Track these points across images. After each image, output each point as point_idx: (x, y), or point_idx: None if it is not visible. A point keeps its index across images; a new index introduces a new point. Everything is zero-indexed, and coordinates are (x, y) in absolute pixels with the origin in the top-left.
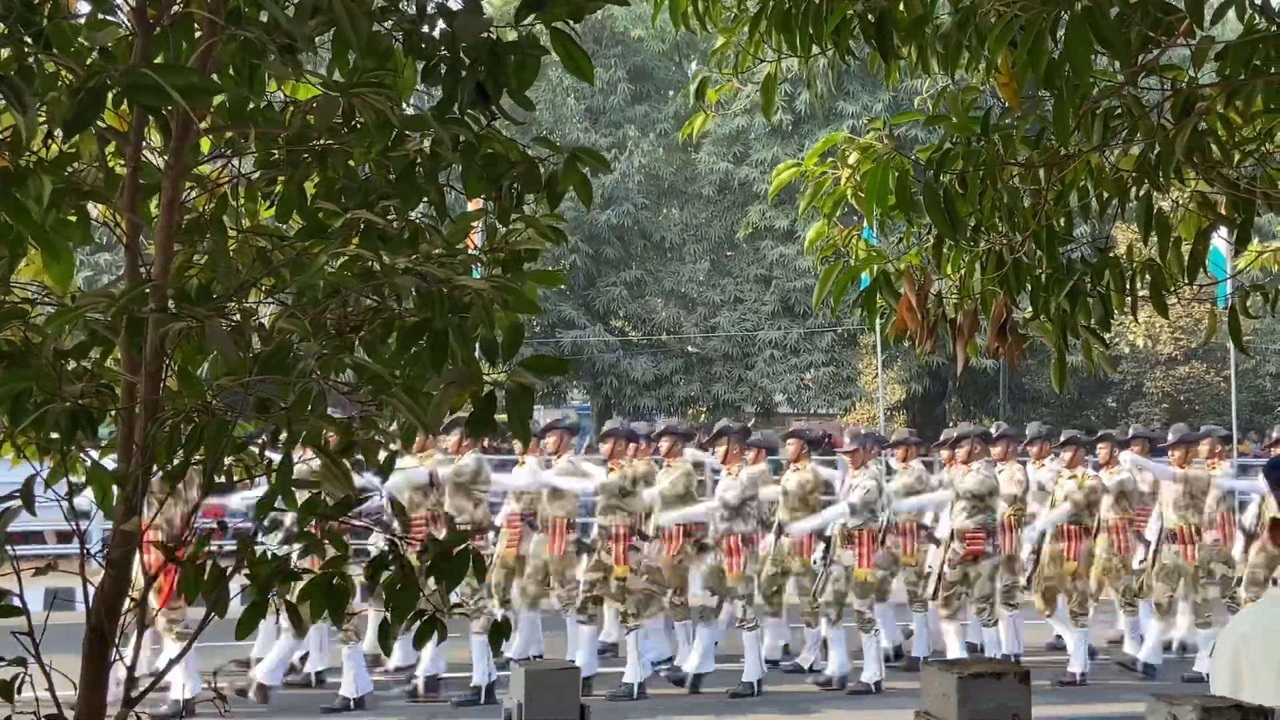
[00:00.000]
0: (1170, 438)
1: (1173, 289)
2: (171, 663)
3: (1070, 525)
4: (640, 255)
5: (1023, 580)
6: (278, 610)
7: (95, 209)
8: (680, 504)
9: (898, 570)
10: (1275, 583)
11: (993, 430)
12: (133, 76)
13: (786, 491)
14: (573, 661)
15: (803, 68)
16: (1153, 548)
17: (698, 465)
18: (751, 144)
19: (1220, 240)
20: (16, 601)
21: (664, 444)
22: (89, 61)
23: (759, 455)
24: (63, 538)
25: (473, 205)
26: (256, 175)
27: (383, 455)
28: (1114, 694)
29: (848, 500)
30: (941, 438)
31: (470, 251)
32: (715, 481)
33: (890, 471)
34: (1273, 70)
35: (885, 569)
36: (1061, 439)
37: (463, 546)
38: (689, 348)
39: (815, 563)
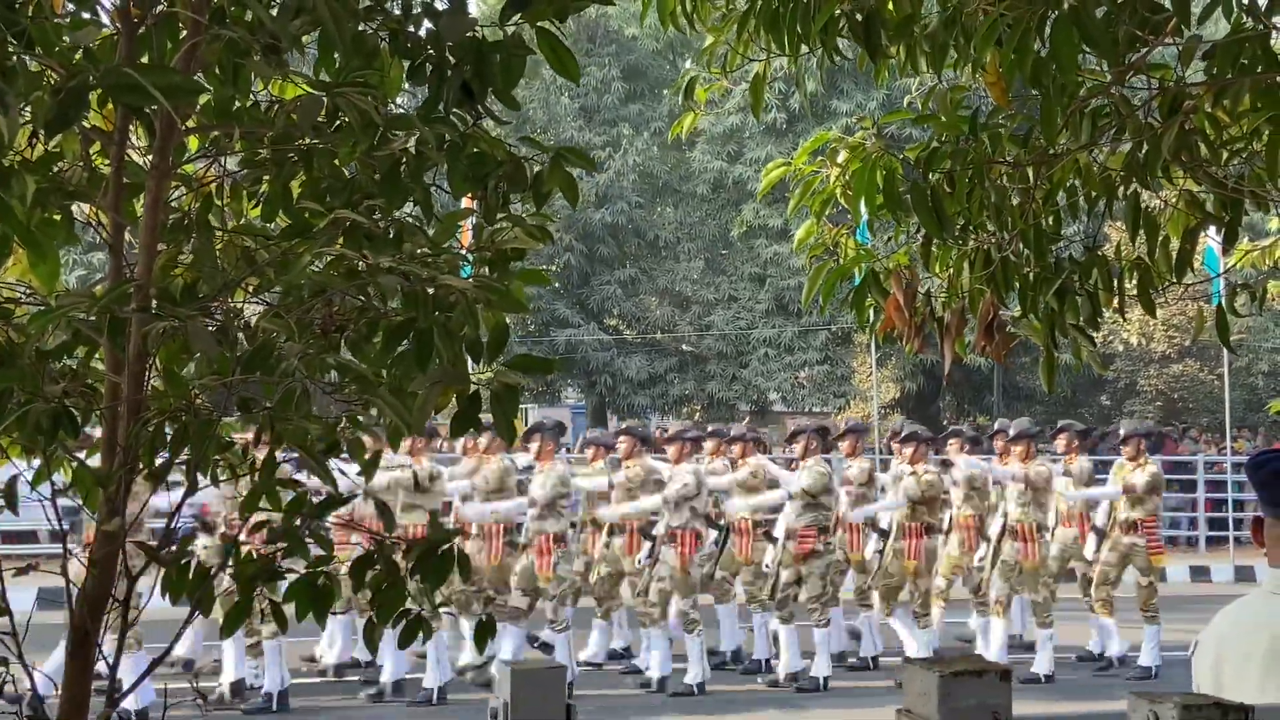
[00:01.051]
0: (1011, 431)
1: (1161, 288)
2: (155, 663)
3: (911, 523)
4: (634, 254)
5: (870, 580)
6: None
7: (83, 210)
8: (496, 498)
9: (738, 570)
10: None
11: (841, 425)
12: (115, 76)
13: (614, 485)
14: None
15: (792, 67)
16: (993, 545)
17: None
18: (746, 143)
19: (1213, 240)
20: None
21: (533, 444)
22: (74, 61)
23: (598, 453)
24: (56, 537)
25: (467, 204)
26: (242, 175)
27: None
28: (1094, 692)
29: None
30: (790, 431)
31: (462, 251)
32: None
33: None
34: (1260, 69)
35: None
36: (904, 434)
37: (446, 545)
38: (683, 346)
39: (639, 562)
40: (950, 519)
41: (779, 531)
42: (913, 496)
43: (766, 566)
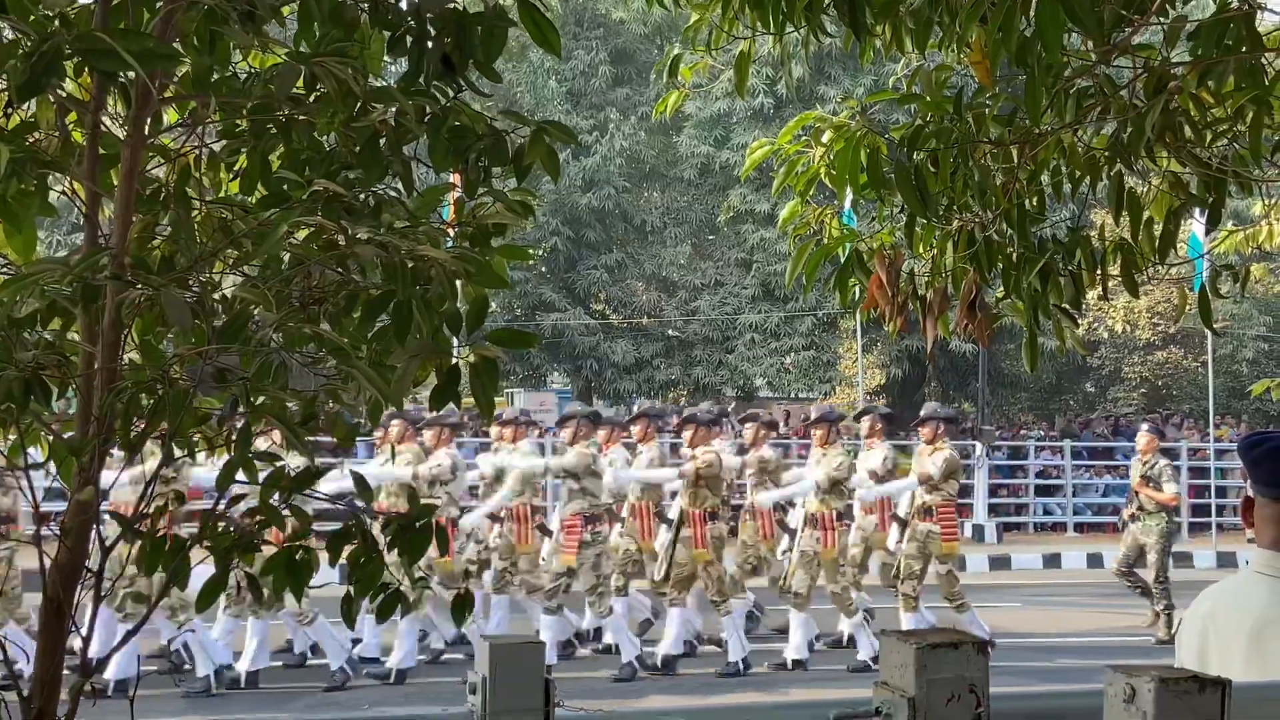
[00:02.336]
0: (812, 414)
1: (1144, 269)
2: (129, 634)
3: (695, 510)
4: (621, 239)
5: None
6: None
7: (64, 182)
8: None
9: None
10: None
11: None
12: (88, 41)
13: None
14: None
15: (776, 47)
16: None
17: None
18: (733, 127)
19: (1197, 224)
20: None
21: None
22: (50, 30)
23: (518, 433)
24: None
25: (455, 179)
26: (220, 146)
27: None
28: (1077, 671)
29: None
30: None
31: (443, 226)
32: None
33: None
34: (1244, 49)
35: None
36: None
37: (425, 520)
38: (669, 331)
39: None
40: (746, 507)
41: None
42: (687, 477)
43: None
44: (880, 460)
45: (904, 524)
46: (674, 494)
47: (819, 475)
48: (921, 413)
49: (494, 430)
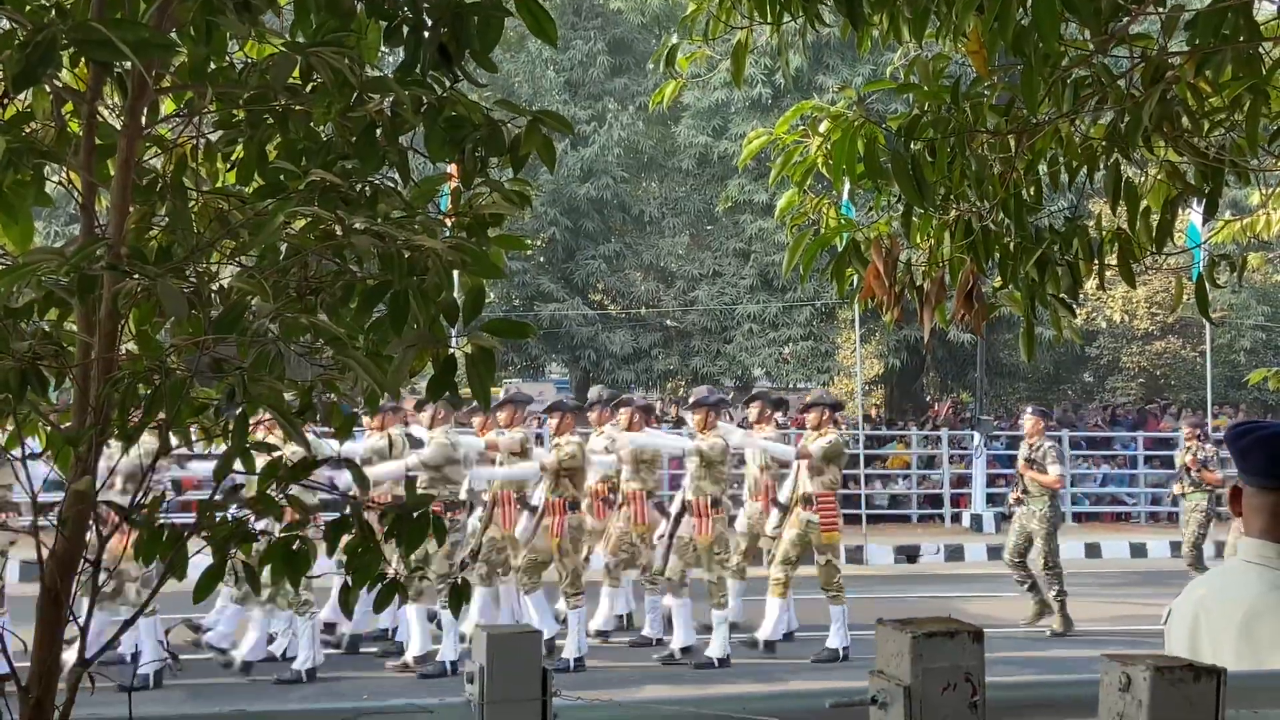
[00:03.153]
0: (691, 399)
1: (1141, 259)
2: (125, 624)
3: (553, 499)
4: (619, 229)
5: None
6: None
7: (60, 173)
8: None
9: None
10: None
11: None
12: (84, 31)
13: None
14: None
15: (774, 36)
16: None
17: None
18: (731, 118)
19: (1195, 214)
20: None
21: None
22: (46, 20)
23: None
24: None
25: (453, 169)
26: (217, 136)
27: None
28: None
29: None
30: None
31: (439, 216)
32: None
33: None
34: (1242, 39)
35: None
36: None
37: (423, 510)
38: (668, 321)
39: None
40: (621, 494)
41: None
42: (549, 468)
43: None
44: (767, 436)
45: (784, 509)
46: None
47: (695, 459)
48: (808, 399)
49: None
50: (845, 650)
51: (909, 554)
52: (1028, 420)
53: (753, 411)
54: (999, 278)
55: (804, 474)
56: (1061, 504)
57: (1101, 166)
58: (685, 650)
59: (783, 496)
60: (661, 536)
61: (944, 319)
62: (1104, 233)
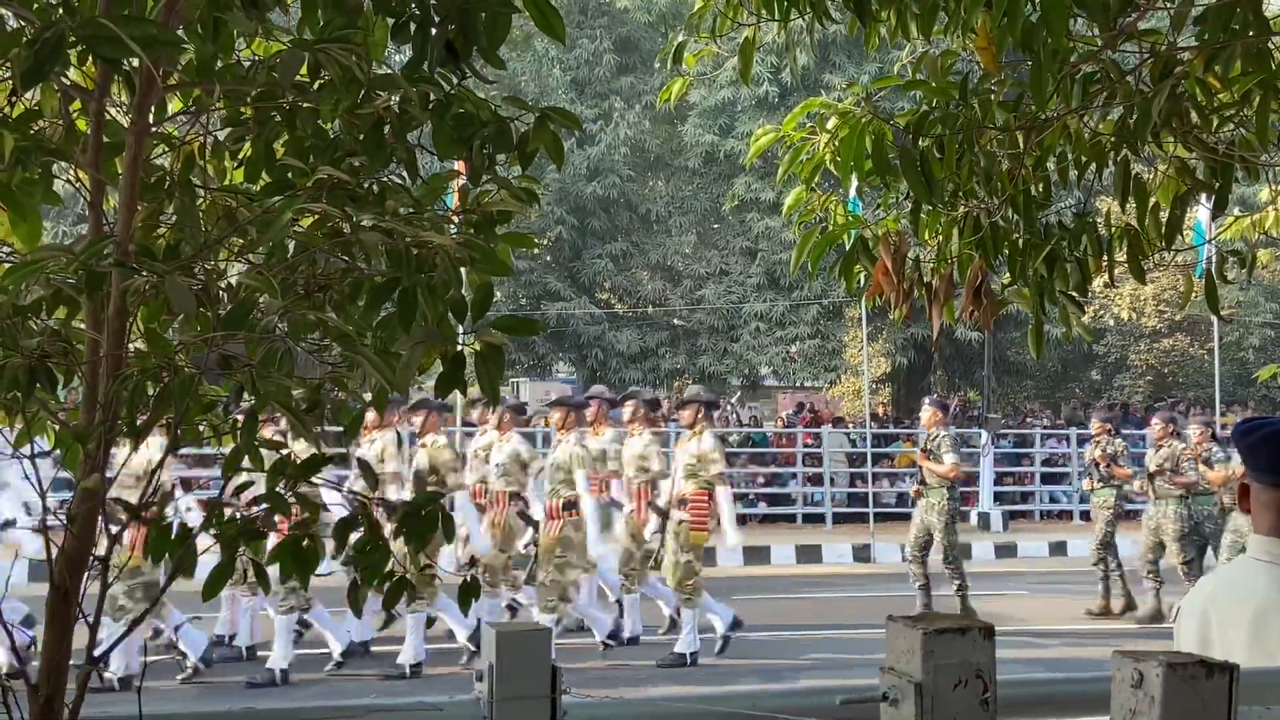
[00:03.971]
0: (552, 396)
1: (1150, 255)
2: (134, 623)
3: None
4: (626, 228)
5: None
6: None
7: (69, 170)
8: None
9: None
10: (1244, 548)
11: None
12: (91, 27)
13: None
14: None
15: (781, 34)
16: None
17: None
18: (738, 115)
19: (1203, 211)
20: None
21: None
22: (54, 17)
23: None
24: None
25: (461, 166)
26: (224, 134)
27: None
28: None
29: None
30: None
31: (447, 213)
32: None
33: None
34: (1251, 34)
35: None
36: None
37: (430, 508)
38: (674, 320)
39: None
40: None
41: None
42: (421, 468)
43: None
44: (643, 447)
45: (663, 514)
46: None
47: (548, 463)
48: (684, 395)
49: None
50: (694, 655)
51: None
52: (925, 411)
53: (626, 411)
54: (1008, 274)
55: (680, 476)
56: (960, 497)
57: (1110, 163)
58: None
59: (661, 501)
60: (528, 545)
61: (953, 316)
62: (1113, 229)
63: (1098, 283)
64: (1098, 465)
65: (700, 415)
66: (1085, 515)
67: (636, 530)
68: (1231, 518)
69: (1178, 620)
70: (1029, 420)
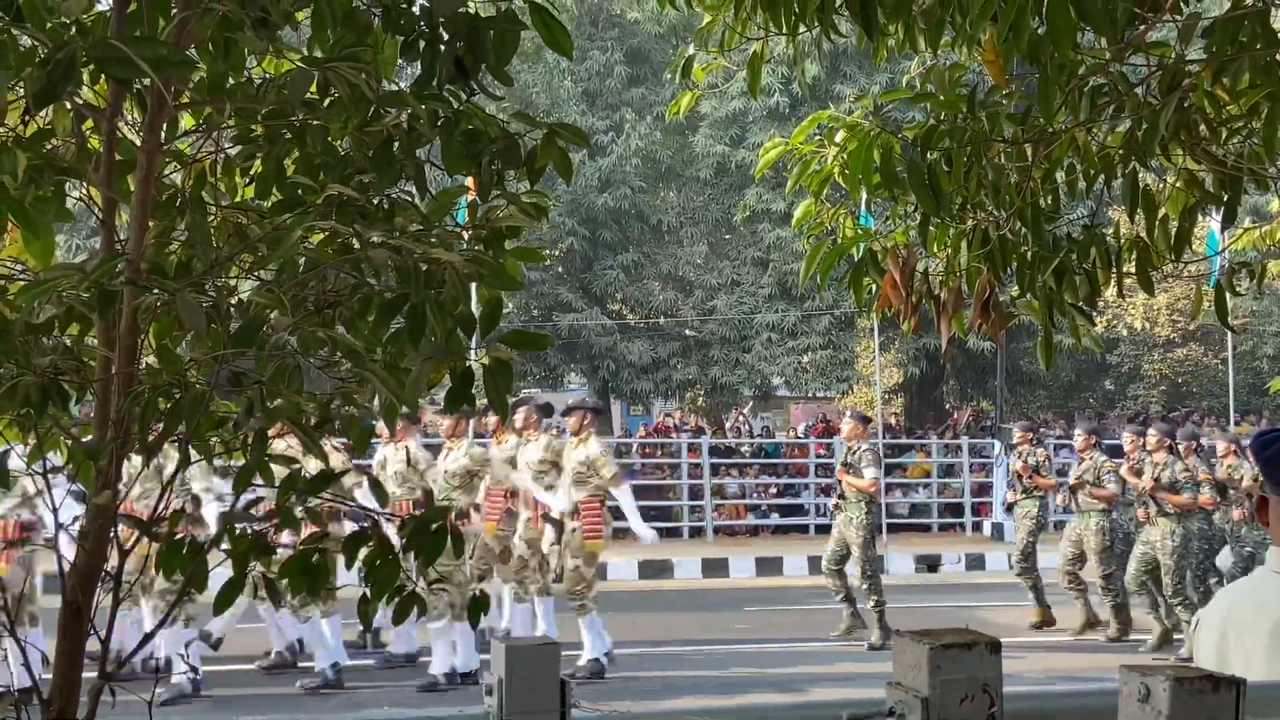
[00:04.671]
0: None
1: (1160, 267)
2: (147, 636)
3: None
4: (637, 238)
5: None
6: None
7: (81, 188)
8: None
9: None
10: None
11: None
12: (103, 48)
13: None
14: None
15: (790, 47)
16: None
17: None
18: (749, 127)
19: (1214, 222)
20: None
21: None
22: (66, 38)
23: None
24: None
25: (470, 182)
26: (235, 151)
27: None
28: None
29: None
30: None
31: (456, 229)
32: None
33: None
34: (1259, 46)
35: None
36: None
37: (441, 522)
38: (686, 331)
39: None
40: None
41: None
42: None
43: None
44: (540, 452)
45: (558, 525)
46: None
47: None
48: (569, 402)
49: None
50: (608, 656)
51: (930, 563)
52: (846, 424)
53: (519, 417)
54: (1016, 287)
55: (569, 484)
56: (879, 510)
57: (1119, 175)
58: (450, 675)
59: (554, 512)
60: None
61: (962, 328)
62: (1122, 241)
63: (1109, 293)
64: (1020, 476)
65: (586, 421)
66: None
67: (533, 538)
68: (1244, 529)
69: (1196, 633)
70: (1042, 430)
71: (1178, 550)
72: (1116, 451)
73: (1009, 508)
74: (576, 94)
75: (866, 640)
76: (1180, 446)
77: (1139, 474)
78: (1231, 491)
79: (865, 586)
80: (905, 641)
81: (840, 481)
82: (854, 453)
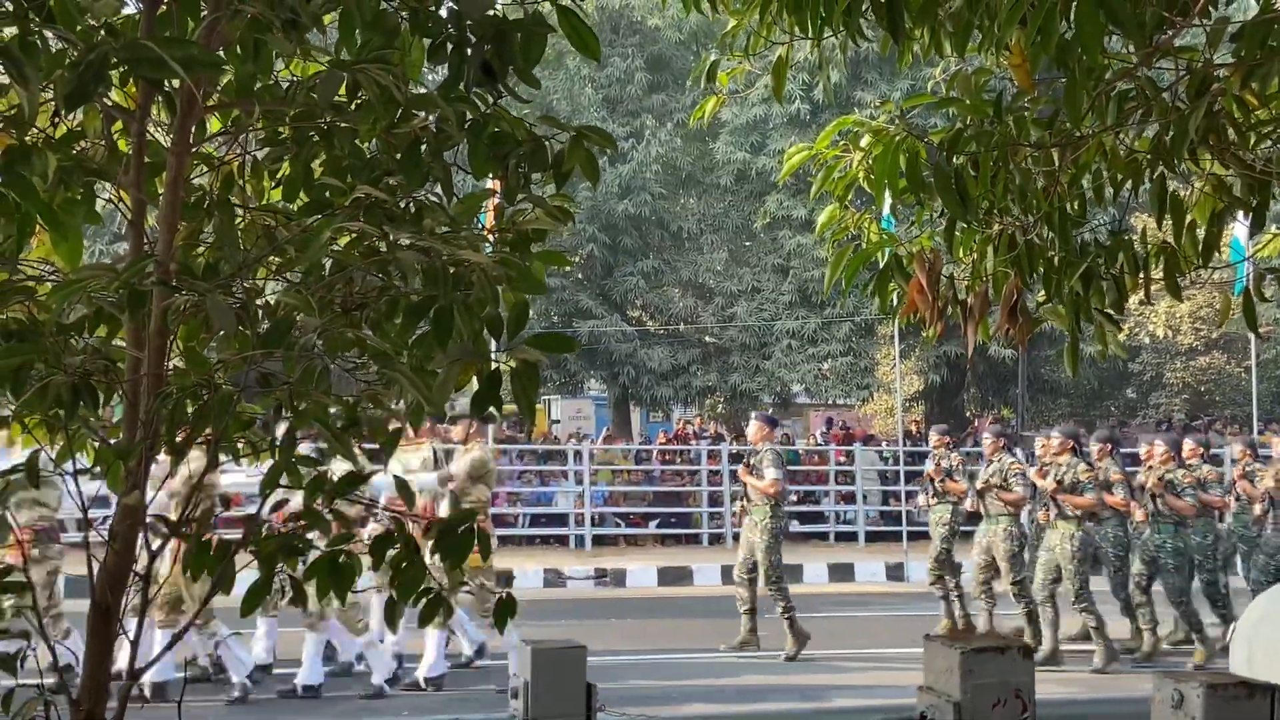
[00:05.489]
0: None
1: (1187, 273)
2: (174, 638)
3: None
4: (657, 245)
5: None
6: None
7: (109, 190)
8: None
9: None
10: None
11: None
12: (134, 49)
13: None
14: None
15: (814, 51)
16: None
17: None
18: (769, 133)
19: (1241, 227)
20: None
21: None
22: (97, 40)
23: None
24: (81, 525)
25: (496, 185)
26: (263, 154)
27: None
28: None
29: None
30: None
31: (483, 231)
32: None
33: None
34: None
35: None
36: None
37: (466, 525)
38: (706, 338)
39: None
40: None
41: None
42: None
43: None
44: (421, 460)
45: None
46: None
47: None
48: (455, 409)
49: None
50: (479, 649)
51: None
52: (751, 426)
53: (459, 430)
54: (1043, 292)
55: (451, 496)
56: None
57: (1146, 180)
58: (309, 687)
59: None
60: None
61: (987, 334)
62: (1149, 246)
63: (1133, 300)
64: (932, 480)
65: (473, 431)
66: None
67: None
68: (1268, 530)
69: (1233, 640)
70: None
71: (1077, 555)
72: (1135, 460)
73: (923, 513)
74: (597, 100)
75: (784, 651)
76: (1094, 449)
77: (1046, 477)
78: (1241, 495)
79: (771, 593)
80: (937, 646)
81: (744, 485)
82: (756, 454)
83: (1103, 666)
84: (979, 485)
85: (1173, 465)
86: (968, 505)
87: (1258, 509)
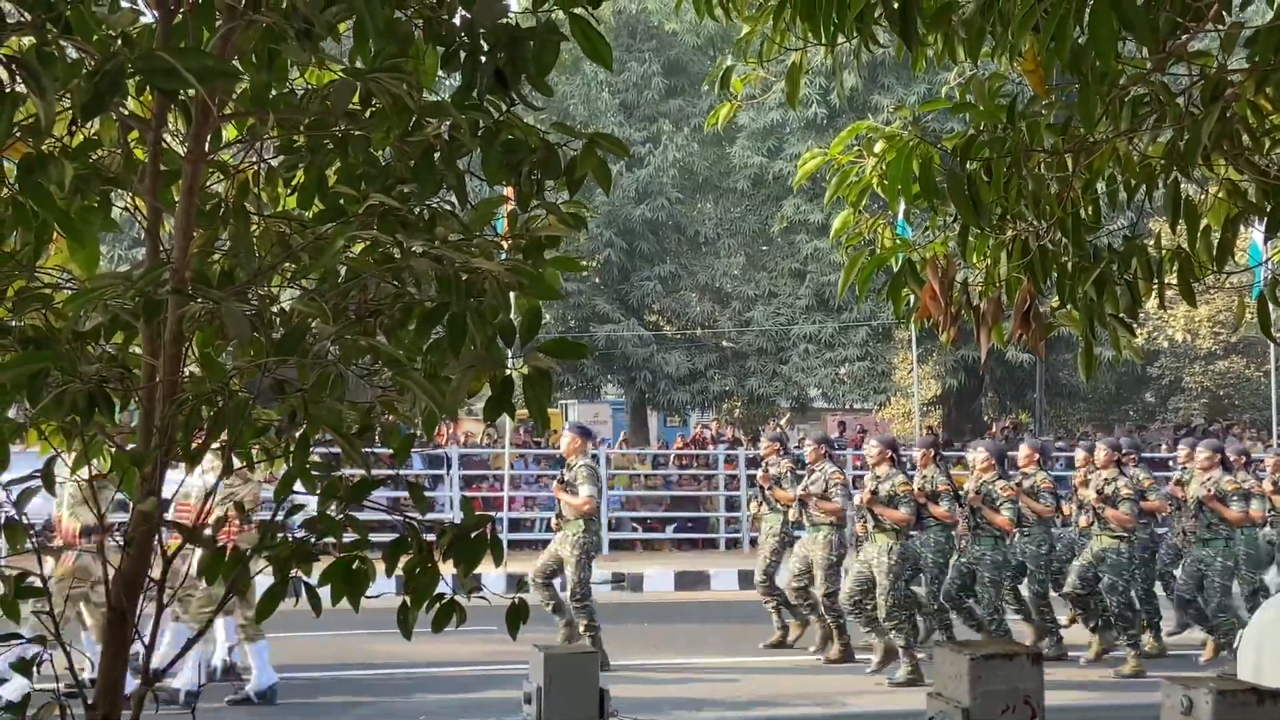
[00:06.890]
0: None
1: (1202, 278)
2: (189, 643)
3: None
4: (674, 250)
5: None
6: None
7: (125, 198)
8: None
9: None
10: None
11: None
12: (150, 59)
13: None
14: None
15: (829, 57)
16: None
17: None
18: (786, 138)
19: (1257, 233)
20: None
21: None
22: (113, 49)
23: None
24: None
25: (510, 192)
26: (278, 162)
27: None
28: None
29: None
30: None
31: (496, 239)
32: None
33: None
34: None
35: None
36: None
37: (479, 530)
38: (723, 342)
39: None
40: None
41: None
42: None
43: None
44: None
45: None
46: None
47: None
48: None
49: None
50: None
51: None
52: (565, 438)
53: None
54: (1057, 297)
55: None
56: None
57: (1160, 185)
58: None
59: None
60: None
61: (1001, 339)
62: (1164, 251)
63: (1150, 304)
64: (763, 489)
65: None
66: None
67: None
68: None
69: (1240, 646)
70: (1082, 443)
71: (893, 569)
72: (1158, 465)
73: (754, 521)
74: (614, 106)
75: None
76: (917, 456)
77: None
78: (1250, 502)
79: (575, 608)
80: (946, 652)
81: (558, 499)
82: (571, 468)
83: (904, 680)
84: (800, 493)
85: (993, 474)
86: (790, 514)
87: (1255, 512)
